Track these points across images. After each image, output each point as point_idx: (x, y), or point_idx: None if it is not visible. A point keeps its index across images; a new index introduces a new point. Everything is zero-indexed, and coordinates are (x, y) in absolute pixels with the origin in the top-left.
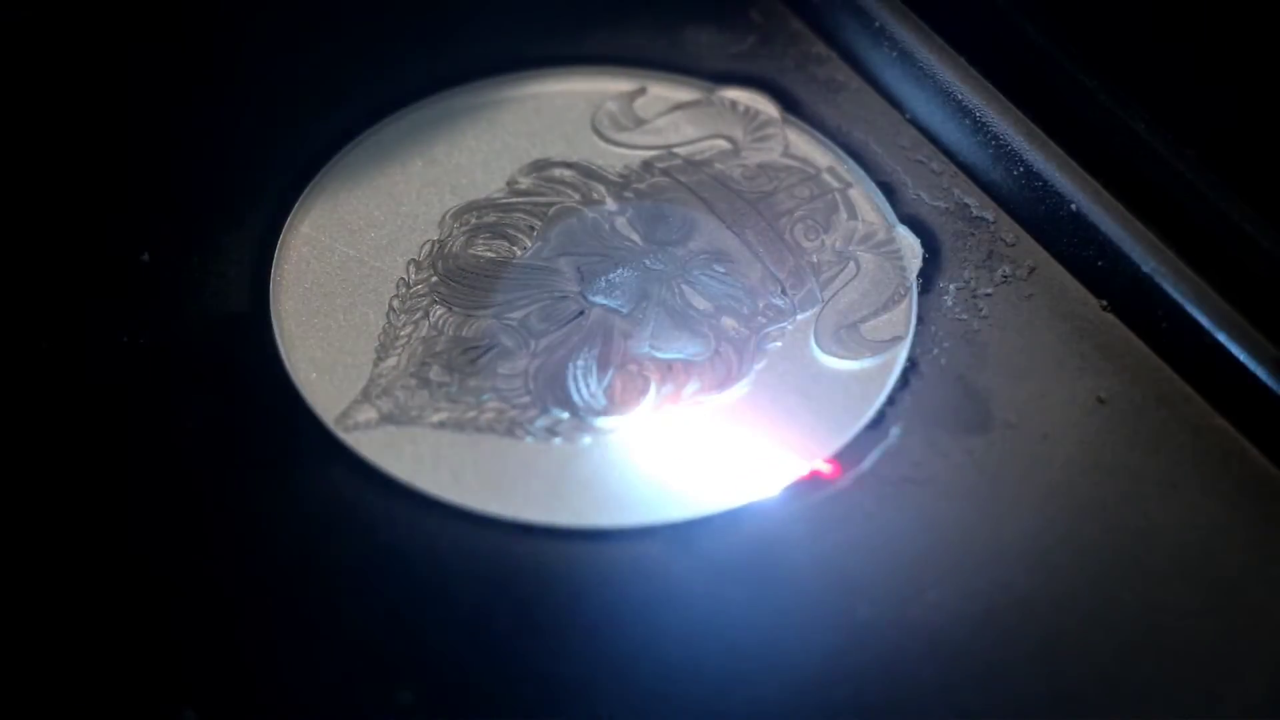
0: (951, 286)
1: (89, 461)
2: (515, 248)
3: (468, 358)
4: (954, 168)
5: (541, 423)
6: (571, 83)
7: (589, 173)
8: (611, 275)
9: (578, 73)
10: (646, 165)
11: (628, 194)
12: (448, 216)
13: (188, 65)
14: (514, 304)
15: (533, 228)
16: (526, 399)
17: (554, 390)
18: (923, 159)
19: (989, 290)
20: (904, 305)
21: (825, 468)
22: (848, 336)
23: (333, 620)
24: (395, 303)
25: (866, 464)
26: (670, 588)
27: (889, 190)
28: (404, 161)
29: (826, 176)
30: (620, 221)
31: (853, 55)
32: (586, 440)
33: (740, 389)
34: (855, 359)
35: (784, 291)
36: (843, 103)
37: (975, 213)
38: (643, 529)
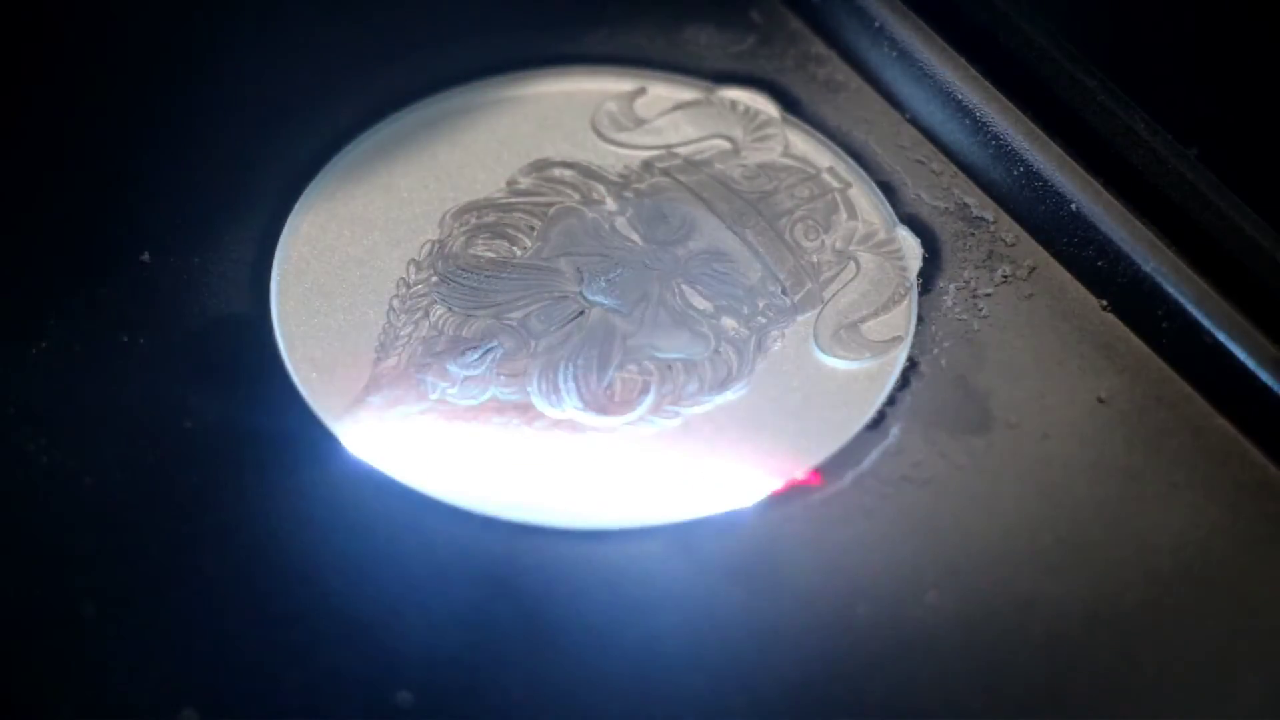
0: (951, 286)
1: (88, 461)
2: (515, 248)
3: (468, 358)
4: (954, 168)
5: (541, 422)
6: (571, 83)
7: (589, 173)
8: (611, 275)
9: (578, 73)
10: (646, 165)
11: (628, 194)
12: (448, 216)
13: (188, 65)
14: (514, 304)
15: (533, 228)
16: (527, 399)
17: (554, 390)
18: (923, 159)
19: (989, 290)
20: (904, 305)
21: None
22: (848, 336)
23: (332, 620)
24: (395, 303)
25: (863, 466)
26: (670, 588)
27: (889, 190)
28: (404, 161)
29: (826, 176)
30: (620, 221)
31: (853, 55)
32: (587, 440)
33: (740, 389)
34: (855, 359)
35: (784, 291)
36: (843, 103)
37: (975, 213)
38: (643, 529)
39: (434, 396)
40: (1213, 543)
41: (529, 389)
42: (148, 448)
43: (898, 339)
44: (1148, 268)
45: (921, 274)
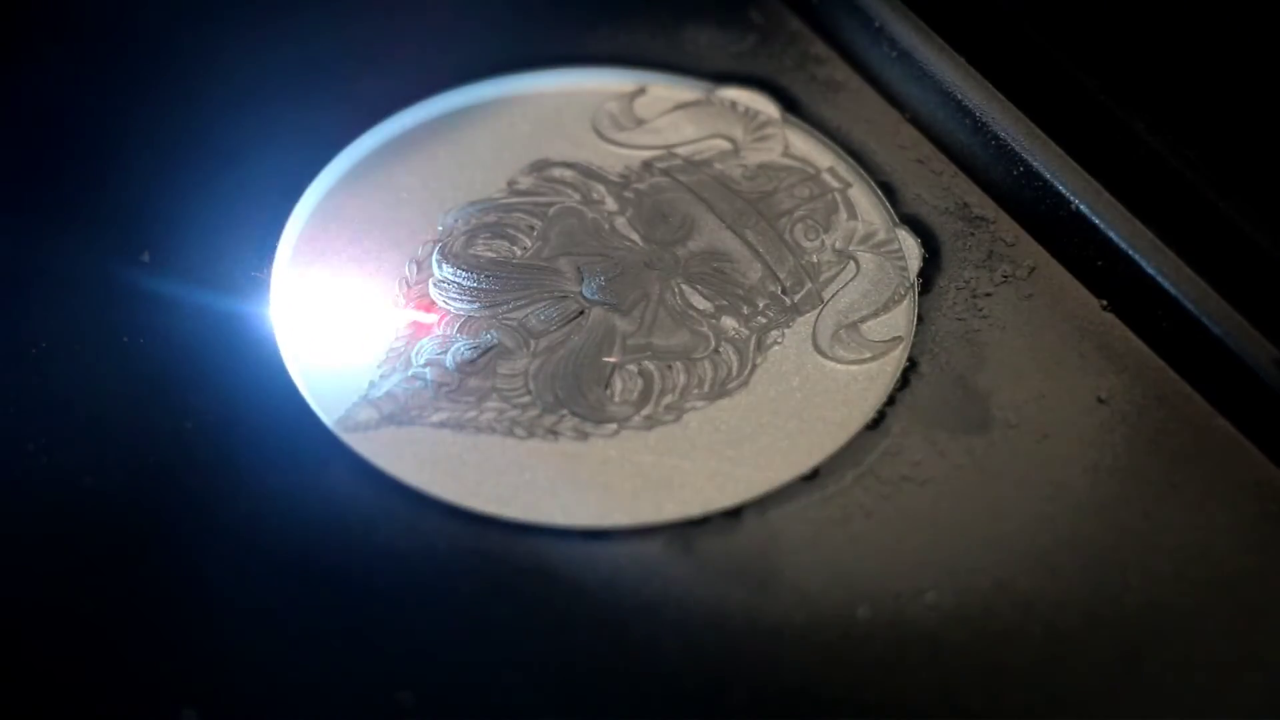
0: (951, 286)
1: (88, 461)
2: (515, 248)
3: (468, 358)
4: (954, 168)
5: (541, 423)
6: (571, 83)
7: (589, 173)
8: (612, 275)
9: (578, 73)
10: (646, 165)
11: (628, 194)
12: (448, 216)
13: (188, 65)
14: (514, 304)
15: (533, 228)
16: (526, 399)
17: (554, 389)
18: (923, 159)
19: (989, 290)
20: (904, 305)
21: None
22: (848, 336)
23: (333, 620)
24: (395, 303)
25: (863, 466)
26: (670, 588)
27: (889, 190)
28: (404, 161)
29: (826, 176)
30: (620, 221)
31: (853, 55)
32: (586, 440)
33: (740, 389)
34: (855, 359)
35: (784, 291)
36: (843, 103)
37: (975, 213)
38: (643, 529)
39: (434, 397)
40: (1213, 543)
41: (529, 389)
42: (148, 448)
43: (898, 339)
44: (1148, 268)
45: (921, 274)
